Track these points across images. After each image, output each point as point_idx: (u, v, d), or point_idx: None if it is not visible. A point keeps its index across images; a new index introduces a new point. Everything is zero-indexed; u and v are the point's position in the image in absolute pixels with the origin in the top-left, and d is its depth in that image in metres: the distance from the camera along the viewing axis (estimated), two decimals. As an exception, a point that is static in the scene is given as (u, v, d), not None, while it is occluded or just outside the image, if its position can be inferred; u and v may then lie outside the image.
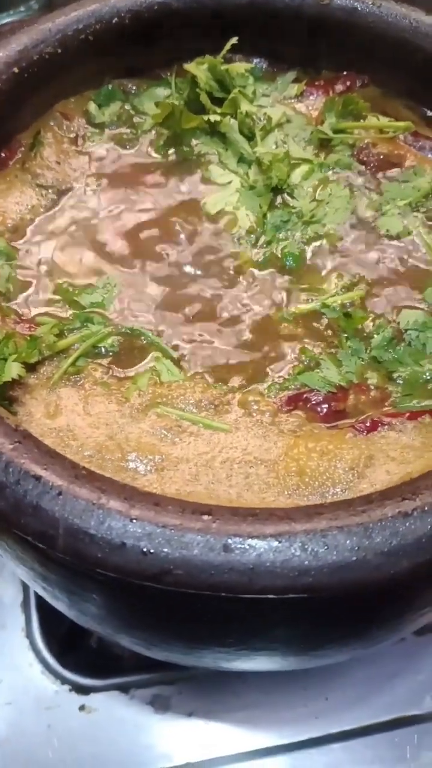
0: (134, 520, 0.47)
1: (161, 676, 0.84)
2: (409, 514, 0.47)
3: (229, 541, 0.46)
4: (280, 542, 0.46)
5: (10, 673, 0.85)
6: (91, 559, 0.47)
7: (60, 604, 0.65)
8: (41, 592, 0.69)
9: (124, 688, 0.84)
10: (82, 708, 0.83)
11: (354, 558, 0.46)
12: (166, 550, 0.46)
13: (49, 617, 0.87)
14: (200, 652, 0.61)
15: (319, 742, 0.83)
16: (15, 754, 0.80)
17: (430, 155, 0.75)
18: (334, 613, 0.50)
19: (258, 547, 0.46)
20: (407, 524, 0.47)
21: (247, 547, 0.46)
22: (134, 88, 0.82)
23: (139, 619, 0.56)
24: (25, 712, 0.83)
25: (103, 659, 0.87)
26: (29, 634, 0.87)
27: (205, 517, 0.47)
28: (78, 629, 0.75)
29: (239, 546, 0.46)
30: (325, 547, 0.46)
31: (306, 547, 0.46)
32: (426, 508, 0.47)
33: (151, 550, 0.46)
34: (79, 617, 0.65)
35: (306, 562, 0.46)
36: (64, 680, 0.84)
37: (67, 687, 0.84)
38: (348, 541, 0.46)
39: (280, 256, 0.69)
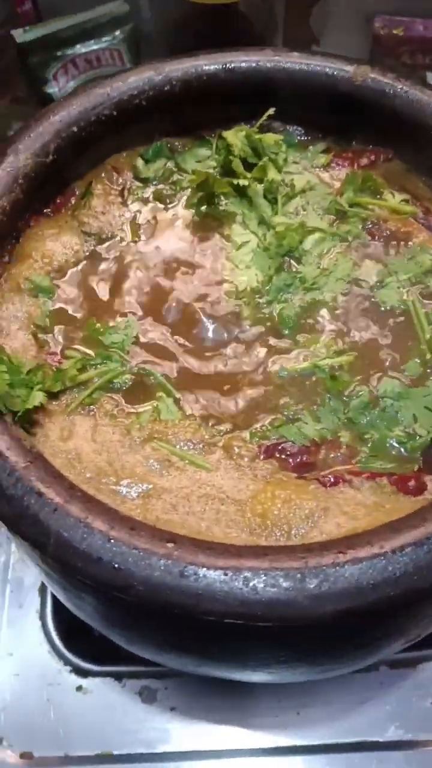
0: (111, 540, 0.57)
1: (152, 671, 0.94)
2: (340, 566, 0.55)
3: (185, 567, 0.56)
4: (226, 575, 0.55)
5: (22, 648, 0.96)
6: (73, 567, 0.58)
7: (59, 596, 0.75)
8: (47, 584, 0.79)
9: (117, 676, 0.94)
10: (79, 688, 0.93)
11: (286, 597, 0.54)
12: (132, 568, 0.56)
13: (60, 603, 0.97)
14: (168, 656, 0.71)
15: (284, 751, 0.90)
16: (15, 720, 0.91)
17: (434, 234, 0.81)
18: (272, 640, 0.59)
19: (208, 577, 0.55)
20: (336, 574, 0.55)
21: (199, 575, 0.55)
22: (180, 146, 0.92)
23: (116, 619, 0.66)
24: (29, 684, 0.94)
25: (104, 648, 0.96)
26: (42, 616, 0.98)
27: (170, 545, 0.57)
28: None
29: (192, 573, 0.55)
30: (263, 585, 0.54)
31: (248, 581, 0.55)
32: (355, 562, 0.55)
33: (121, 567, 0.56)
34: (74, 610, 0.75)
35: (245, 594, 0.54)
36: (66, 661, 0.95)
37: (68, 668, 0.94)
38: (284, 582, 0.54)
39: (278, 315, 0.77)
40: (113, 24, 1.44)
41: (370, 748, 0.90)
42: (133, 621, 0.63)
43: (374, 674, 0.94)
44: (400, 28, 1.53)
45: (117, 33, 1.48)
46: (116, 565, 0.56)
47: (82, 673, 0.95)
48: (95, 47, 1.47)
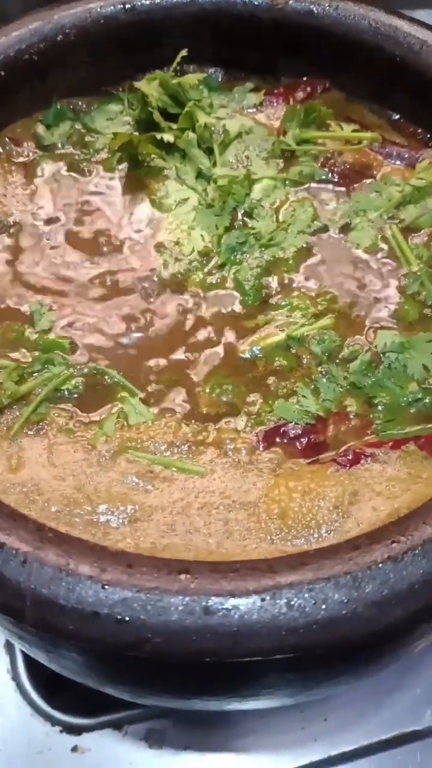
0: (106, 586, 0.44)
1: (154, 710, 0.81)
2: (399, 559, 0.44)
3: (210, 602, 0.43)
4: (264, 600, 0.43)
5: (-1, 718, 0.82)
6: (62, 631, 0.44)
7: (40, 659, 0.62)
8: (20, 647, 0.66)
9: (116, 725, 0.81)
10: (74, 749, 0.80)
11: (344, 611, 0.43)
12: (142, 617, 0.43)
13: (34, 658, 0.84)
14: (189, 701, 0.58)
15: (320, 765, 0.81)
16: (6, 803, 0.78)
17: (397, 162, 0.72)
18: (326, 663, 0.48)
19: (241, 607, 0.43)
20: (398, 570, 0.44)
21: (230, 607, 0.43)
22: (84, 105, 0.78)
23: (122, 677, 0.53)
24: (15, 758, 0.80)
25: (93, 697, 0.83)
26: (15, 677, 0.84)
27: (183, 577, 0.44)
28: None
29: (221, 607, 0.43)
30: (313, 602, 0.43)
31: (292, 603, 0.43)
32: (417, 551, 0.45)
33: (126, 618, 0.43)
34: (60, 671, 0.62)
35: (293, 620, 0.43)
36: (54, 721, 0.81)
37: (57, 728, 0.81)
38: (336, 594, 0.43)
39: (232, 280, 0.66)
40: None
41: (410, 739, 0.82)
42: (146, 676, 0.51)
43: (396, 660, 0.86)
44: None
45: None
46: (120, 617, 0.43)
47: (75, 730, 0.81)
48: None
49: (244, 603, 0.43)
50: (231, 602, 0.43)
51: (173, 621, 0.43)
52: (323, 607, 0.43)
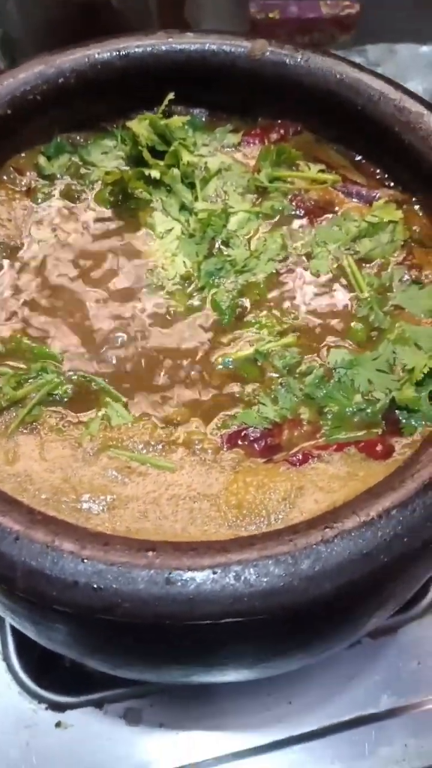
0: (85, 560, 0.53)
1: (132, 691, 0.89)
2: (330, 541, 0.53)
3: (171, 574, 0.52)
4: (215, 573, 0.52)
5: (-11, 695, 0.89)
6: (47, 597, 0.53)
7: (29, 632, 0.70)
8: (11, 622, 0.74)
9: (97, 704, 0.89)
10: (58, 725, 0.88)
11: (282, 584, 0.52)
12: (114, 586, 0.52)
13: (24, 640, 0.91)
14: (160, 671, 0.67)
15: (282, 744, 0.88)
16: (-4, 773, 0.85)
17: (355, 200, 0.81)
18: (273, 631, 0.56)
19: (196, 579, 0.52)
20: (328, 550, 0.53)
21: (187, 579, 0.52)
22: (82, 140, 0.87)
23: (100, 645, 0.62)
24: (4, 731, 0.87)
25: (78, 677, 0.91)
26: (6, 657, 0.92)
27: (150, 554, 0.53)
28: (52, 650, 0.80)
29: (180, 578, 0.52)
30: (256, 575, 0.52)
31: (239, 576, 0.52)
32: (344, 535, 0.53)
33: (101, 587, 0.52)
34: (47, 643, 0.70)
35: (239, 590, 0.51)
36: (41, 699, 0.89)
37: (43, 705, 0.89)
38: (276, 569, 0.52)
39: (210, 301, 0.74)
40: (-18, 33, 1.38)
41: (367, 722, 0.90)
42: (120, 643, 0.59)
43: (358, 648, 0.94)
44: (275, 11, 1.55)
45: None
46: (95, 586, 0.52)
47: (59, 707, 0.89)
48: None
49: (199, 575, 0.52)
50: (188, 575, 0.52)
51: (140, 589, 0.52)
52: (265, 579, 0.52)
